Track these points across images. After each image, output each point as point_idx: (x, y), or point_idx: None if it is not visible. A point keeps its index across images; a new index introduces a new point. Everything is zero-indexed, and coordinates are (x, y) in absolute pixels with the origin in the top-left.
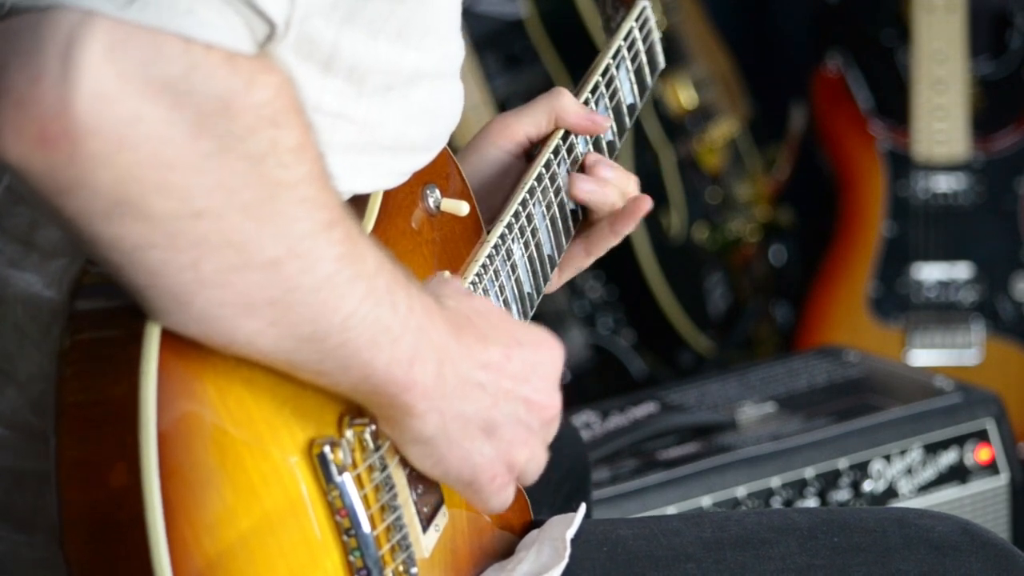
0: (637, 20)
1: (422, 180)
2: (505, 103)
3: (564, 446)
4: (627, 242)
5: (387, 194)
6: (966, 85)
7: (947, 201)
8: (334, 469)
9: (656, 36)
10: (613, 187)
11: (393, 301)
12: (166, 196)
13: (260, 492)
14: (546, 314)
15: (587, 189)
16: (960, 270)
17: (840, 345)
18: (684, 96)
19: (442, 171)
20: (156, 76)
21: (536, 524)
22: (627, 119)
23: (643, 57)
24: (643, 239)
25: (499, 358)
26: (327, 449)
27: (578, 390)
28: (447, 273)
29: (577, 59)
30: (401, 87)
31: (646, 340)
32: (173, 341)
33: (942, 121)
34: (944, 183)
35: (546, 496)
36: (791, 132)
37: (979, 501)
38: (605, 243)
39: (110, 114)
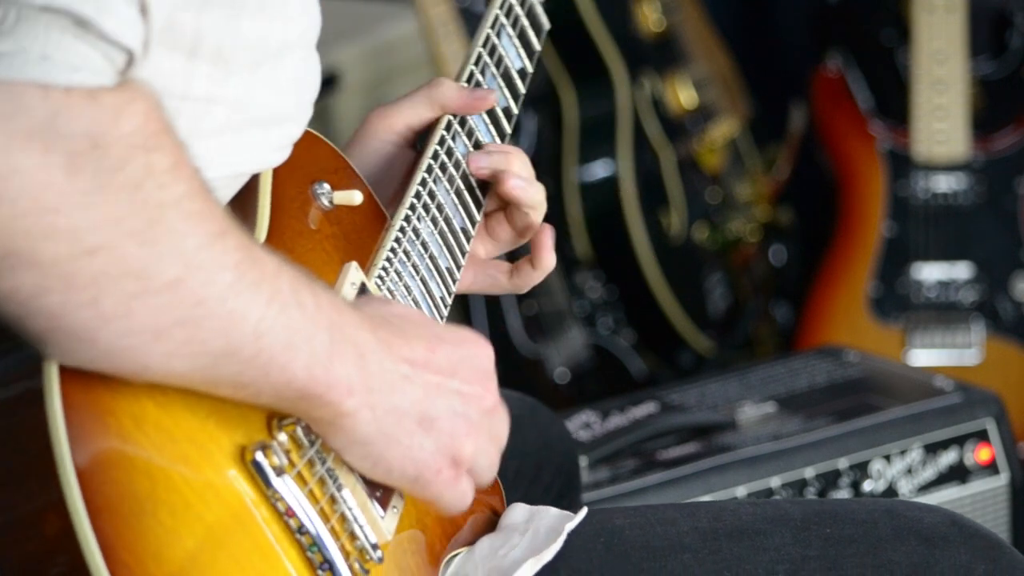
0: None
1: (310, 178)
2: None
3: (554, 444)
4: (627, 242)
5: (275, 200)
6: (966, 85)
7: (947, 201)
8: (271, 473)
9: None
10: (499, 156)
11: (300, 301)
12: (55, 240)
13: (199, 509)
14: (546, 314)
15: (482, 164)
16: (960, 270)
17: (840, 345)
18: (684, 96)
19: (329, 166)
20: (21, 128)
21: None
22: (519, 84)
23: (524, 21)
24: (643, 239)
25: (423, 353)
26: (259, 455)
27: (578, 390)
28: (354, 264)
29: (577, 59)
30: (270, 61)
31: (646, 340)
32: (75, 383)
33: (942, 121)
34: (944, 183)
35: (536, 495)
36: (791, 132)
37: (979, 501)
38: (529, 279)
39: None
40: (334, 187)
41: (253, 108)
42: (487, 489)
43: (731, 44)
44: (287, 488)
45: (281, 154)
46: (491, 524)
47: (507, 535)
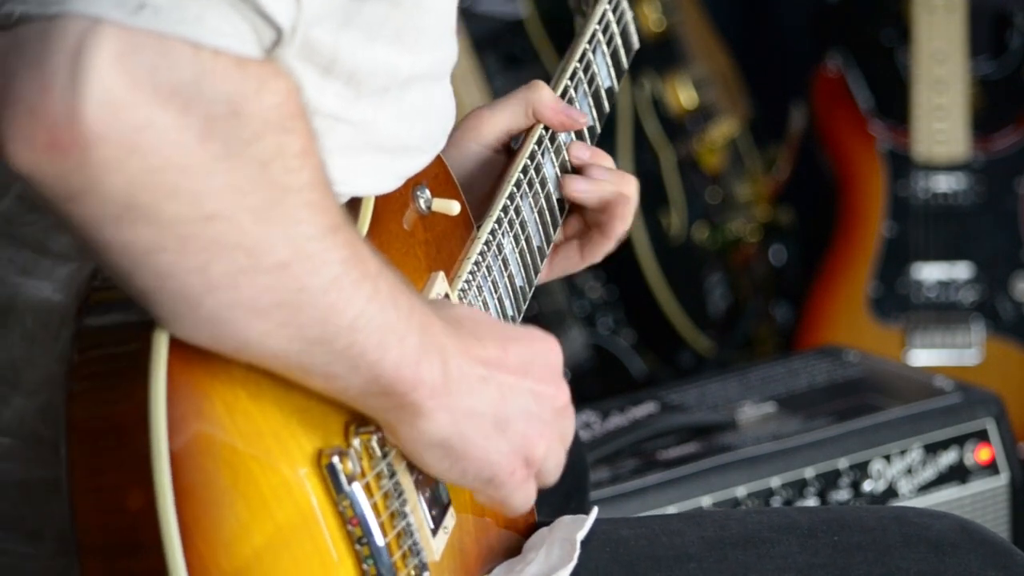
0: (610, 2)
1: (412, 181)
2: None
3: None
4: (627, 242)
5: (379, 197)
6: (966, 85)
7: (947, 201)
8: (344, 479)
9: (629, 17)
10: (607, 184)
11: (396, 303)
12: (177, 200)
13: (272, 507)
14: (546, 314)
15: (581, 189)
16: (960, 270)
17: (840, 345)
18: (684, 96)
19: (431, 171)
20: (165, 82)
21: (542, 523)
22: (606, 103)
23: (618, 40)
24: (643, 239)
25: (497, 353)
26: (336, 459)
27: (578, 390)
28: (442, 274)
29: None
30: (396, 89)
31: (646, 340)
32: (180, 361)
33: (942, 121)
34: (944, 183)
35: (545, 495)
36: (791, 132)
37: (979, 501)
38: (601, 249)
39: (120, 121)
40: (433, 193)
41: (375, 133)
42: (522, 516)
43: (731, 44)
44: (356, 495)
45: (399, 183)
46: (520, 548)
47: (524, 553)
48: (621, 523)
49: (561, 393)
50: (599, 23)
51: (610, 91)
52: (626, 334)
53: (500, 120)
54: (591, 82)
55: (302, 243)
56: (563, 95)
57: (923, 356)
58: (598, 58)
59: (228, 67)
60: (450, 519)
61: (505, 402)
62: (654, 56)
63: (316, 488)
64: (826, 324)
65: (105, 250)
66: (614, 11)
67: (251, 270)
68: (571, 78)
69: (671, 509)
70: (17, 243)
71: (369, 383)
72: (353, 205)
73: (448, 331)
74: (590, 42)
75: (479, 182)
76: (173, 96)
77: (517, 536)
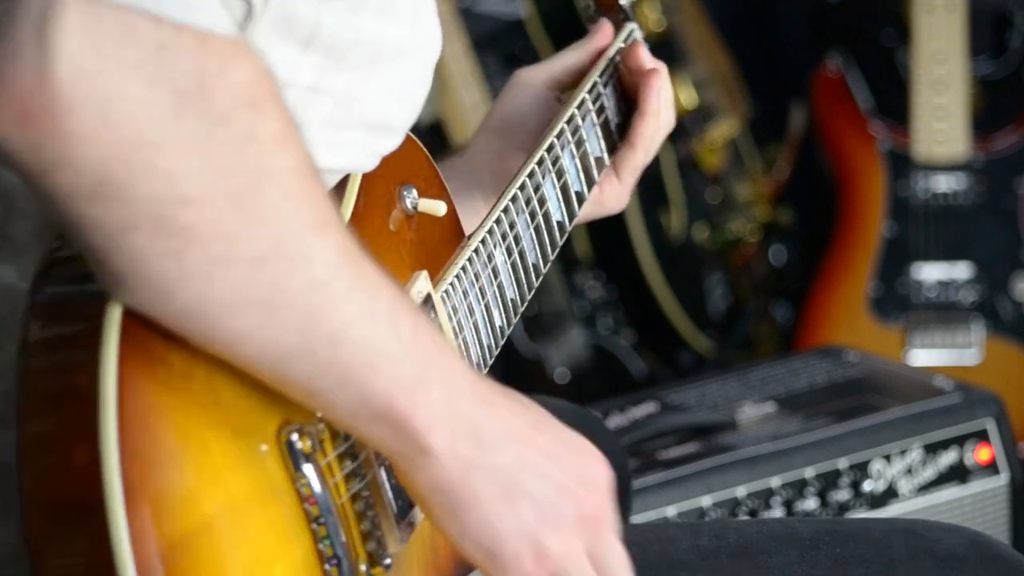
0: (601, 76)
1: (399, 180)
2: None
3: (607, 459)
4: (627, 242)
5: (362, 193)
6: (966, 85)
7: (947, 201)
8: (301, 456)
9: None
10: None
11: (395, 323)
12: (152, 178)
13: (225, 477)
14: (546, 314)
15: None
16: (960, 270)
17: (840, 345)
18: (684, 96)
19: (420, 172)
20: (129, 57)
21: None
22: (595, 172)
23: (608, 114)
24: (643, 239)
25: (526, 429)
26: (295, 436)
27: (578, 390)
28: (425, 273)
29: None
30: (387, 62)
31: (646, 340)
32: (137, 322)
33: (942, 121)
34: (944, 183)
35: None
36: (791, 132)
37: (979, 501)
38: (645, 130)
39: (90, 90)
40: (421, 194)
41: (362, 108)
42: None
43: (731, 44)
44: (313, 474)
45: (374, 161)
46: None
47: None
48: None
49: (590, 499)
50: (589, 92)
51: (599, 161)
52: (626, 334)
53: (545, 68)
54: (579, 146)
55: (282, 237)
56: (580, 105)
57: (923, 356)
58: (587, 125)
59: (190, 42)
60: (417, 513)
61: (523, 473)
62: (654, 56)
63: (276, 464)
64: (826, 324)
65: (80, 226)
66: (604, 86)
67: (226, 262)
68: (579, 106)
69: (671, 509)
70: None
71: (357, 406)
72: (337, 191)
73: (467, 377)
74: (579, 107)
75: (520, 126)
76: (139, 69)
77: None
